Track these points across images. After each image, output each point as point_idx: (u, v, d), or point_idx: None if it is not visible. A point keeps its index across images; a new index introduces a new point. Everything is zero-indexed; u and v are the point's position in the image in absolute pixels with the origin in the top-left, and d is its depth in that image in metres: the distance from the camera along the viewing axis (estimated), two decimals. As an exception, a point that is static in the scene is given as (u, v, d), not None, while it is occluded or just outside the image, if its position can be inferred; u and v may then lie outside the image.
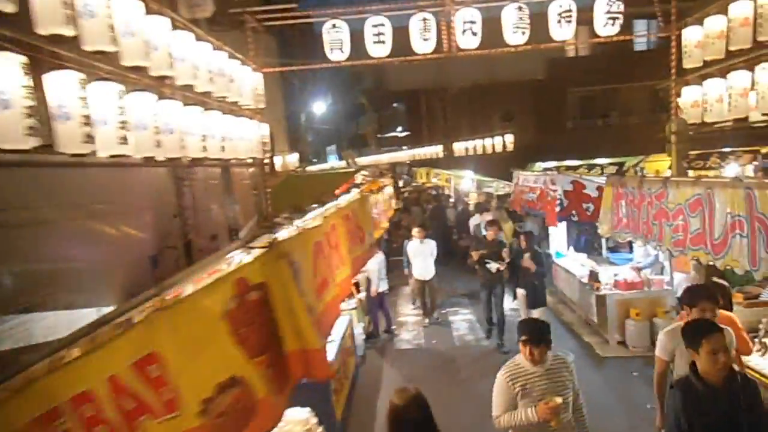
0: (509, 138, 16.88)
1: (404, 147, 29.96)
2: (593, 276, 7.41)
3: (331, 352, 4.89)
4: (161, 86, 4.15)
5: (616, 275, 7.28)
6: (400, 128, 34.56)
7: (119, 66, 3.54)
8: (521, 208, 9.43)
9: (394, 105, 35.63)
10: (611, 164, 14.48)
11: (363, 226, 4.44)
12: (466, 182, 17.53)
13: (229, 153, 5.43)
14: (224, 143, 5.25)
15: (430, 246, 8.65)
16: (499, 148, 17.21)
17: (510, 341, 7.04)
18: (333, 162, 38.39)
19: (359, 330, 6.89)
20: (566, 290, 8.72)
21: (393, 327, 8.51)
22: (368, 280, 7.82)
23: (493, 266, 7.36)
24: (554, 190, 7.21)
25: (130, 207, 4.04)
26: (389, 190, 8.30)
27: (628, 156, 14.59)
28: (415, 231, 8.70)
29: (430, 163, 21.84)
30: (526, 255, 7.05)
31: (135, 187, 4.11)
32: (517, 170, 9.87)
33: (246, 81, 6.11)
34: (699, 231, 3.70)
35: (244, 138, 5.89)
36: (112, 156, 3.36)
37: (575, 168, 14.34)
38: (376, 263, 7.73)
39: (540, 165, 14.92)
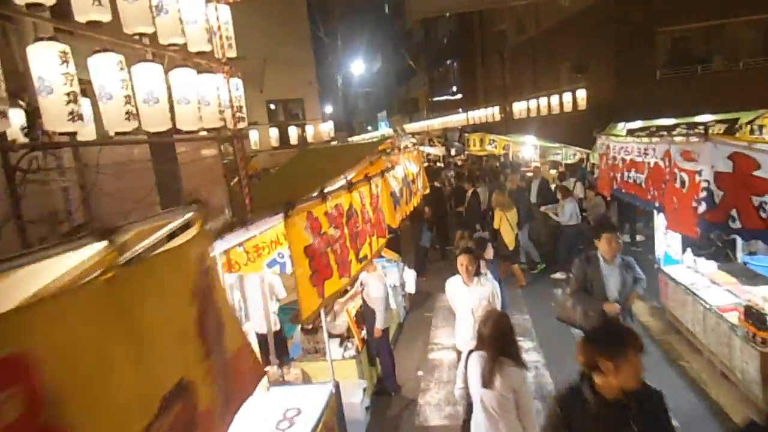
0: (581, 93, 14.04)
1: (458, 110, 27.30)
2: (753, 316, 4.35)
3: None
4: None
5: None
6: (453, 89, 31.79)
7: None
8: (610, 192, 6.14)
9: (447, 62, 32.64)
10: (718, 122, 11.36)
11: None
12: (527, 149, 14.92)
13: (154, 123, 3.50)
14: (136, 107, 3.33)
15: (488, 289, 4.45)
16: (568, 107, 14.42)
17: None
18: (384, 129, 36.21)
19: (358, 397, 4.44)
20: (686, 319, 5.77)
21: (396, 387, 5.52)
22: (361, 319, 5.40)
23: None
24: (693, 171, 3.68)
25: None
26: (412, 167, 5.77)
27: (740, 111, 11.42)
28: (460, 260, 4.45)
29: (485, 128, 19.18)
30: None
31: None
32: (603, 134, 7.05)
33: (192, 13, 4.09)
34: None
35: (188, 100, 3.93)
36: None
37: (670, 129, 11.38)
38: (381, 288, 5.14)
39: (622, 126, 12.07)
